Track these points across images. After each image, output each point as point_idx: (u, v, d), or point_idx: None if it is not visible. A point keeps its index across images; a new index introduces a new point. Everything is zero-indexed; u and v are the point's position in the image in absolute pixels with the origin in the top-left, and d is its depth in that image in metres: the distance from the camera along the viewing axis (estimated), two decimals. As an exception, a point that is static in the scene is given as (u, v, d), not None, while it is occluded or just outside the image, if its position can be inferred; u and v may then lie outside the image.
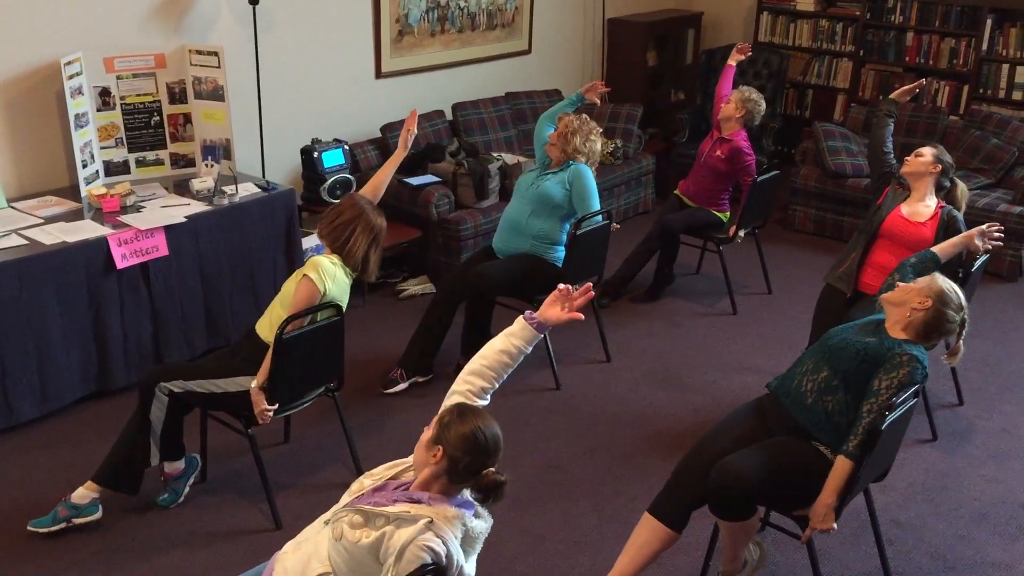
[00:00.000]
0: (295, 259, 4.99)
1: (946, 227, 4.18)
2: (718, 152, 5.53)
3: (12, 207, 4.53)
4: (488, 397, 2.64)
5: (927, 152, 4.30)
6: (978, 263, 4.21)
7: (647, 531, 3.16)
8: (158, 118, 5.05)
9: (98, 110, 4.85)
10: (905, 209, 4.28)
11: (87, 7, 4.72)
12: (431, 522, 2.27)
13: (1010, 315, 5.59)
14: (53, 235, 4.24)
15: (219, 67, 4.98)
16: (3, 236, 4.21)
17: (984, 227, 3.75)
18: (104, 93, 4.86)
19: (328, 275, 3.53)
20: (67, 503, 3.55)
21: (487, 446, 2.35)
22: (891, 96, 4.70)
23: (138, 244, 4.35)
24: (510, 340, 2.65)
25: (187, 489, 3.77)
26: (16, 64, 4.55)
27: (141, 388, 3.56)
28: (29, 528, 3.52)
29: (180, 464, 3.74)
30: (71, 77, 4.58)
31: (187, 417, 3.68)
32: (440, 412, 2.46)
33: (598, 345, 5.01)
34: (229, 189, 4.82)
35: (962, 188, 4.37)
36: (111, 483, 3.56)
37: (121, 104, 4.93)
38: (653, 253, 5.66)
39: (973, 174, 6.39)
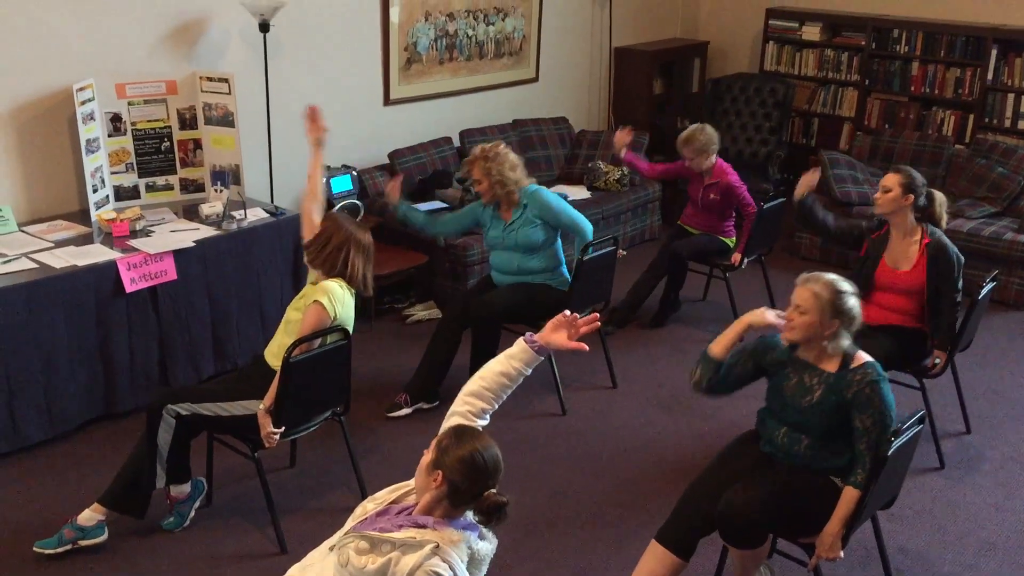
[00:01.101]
0: (302, 284, 4.98)
1: (936, 263, 4.11)
2: (712, 195, 5.56)
3: (23, 231, 4.57)
4: (487, 418, 2.65)
5: (893, 184, 4.13)
6: (984, 291, 4.21)
7: (654, 559, 3.15)
8: (168, 143, 5.09)
9: (109, 135, 4.90)
10: (889, 259, 4.21)
11: (100, 34, 4.78)
12: (437, 547, 2.27)
13: (1017, 343, 5.58)
14: (63, 259, 4.27)
15: (229, 93, 5.03)
16: (13, 259, 4.24)
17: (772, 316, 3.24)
18: (115, 119, 4.91)
19: (338, 300, 3.56)
20: (73, 525, 3.55)
21: (486, 468, 2.34)
22: (797, 193, 4.54)
23: (147, 268, 4.37)
24: (510, 362, 2.65)
25: (193, 513, 3.77)
26: (29, 90, 4.61)
27: (149, 410, 3.57)
28: (35, 549, 3.53)
29: (186, 487, 3.74)
30: (83, 103, 4.63)
31: (193, 441, 3.68)
32: (439, 435, 2.46)
33: (604, 371, 5.01)
34: (238, 214, 4.85)
35: (939, 199, 4.25)
36: (117, 506, 3.56)
37: (132, 130, 4.98)
38: (659, 280, 5.68)
39: (979, 202, 6.40)
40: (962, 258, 4.21)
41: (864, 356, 3.10)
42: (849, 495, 2.97)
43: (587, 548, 3.71)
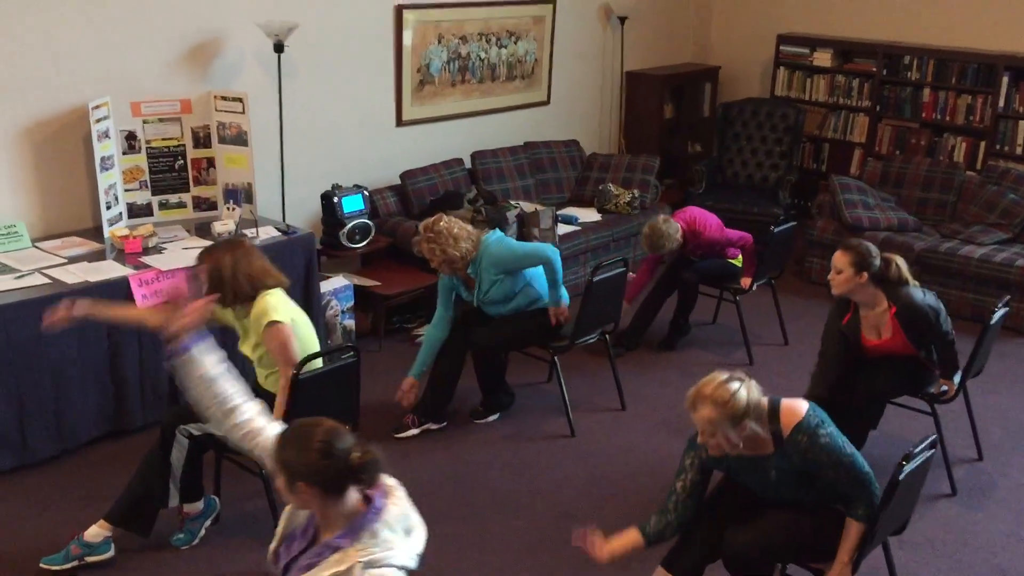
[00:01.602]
0: (313, 302, 5.02)
1: (913, 328, 3.96)
2: (699, 252, 5.54)
3: (36, 246, 4.60)
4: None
5: (843, 264, 3.94)
6: (996, 316, 4.20)
7: None
8: (182, 162, 5.13)
9: (124, 153, 4.94)
10: (867, 332, 4.08)
11: (116, 53, 4.83)
12: (365, 565, 2.20)
13: (1029, 370, 5.54)
14: (75, 274, 4.30)
15: (243, 113, 5.07)
16: (27, 275, 4.26)
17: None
18: (130, 137, 4.95)
19: (280, 306, 3.54)
20: (80, 541, 3.54)
21: (332, 445, 2.22)
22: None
23: (159, 285, 4.39)
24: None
25: (203, 531, 3.76)
26: (45, 107, 4.65)
27: (162, 429, 3.57)
28: (42, 565, 3.52)
29: (199, 504, 3.74)
30: (98, 121, 4.67)
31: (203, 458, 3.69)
32: (272, 457, 2.33)
33: (613, 393, 5.00)
34: (250, 232, 4.87)
35: (896, 262, 4.02)
36: (124, 522, 3.56)
37: (146, 147, 5.02)
38: (665, 300, 5.67)
39: (990, 229, 6.39)
40: (939, 306, 4.03)
41: (791, 416, 2.93)
42: (854, 529, 2.96)
43: (594, 571, 3.68)
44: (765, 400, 2.94)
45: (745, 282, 5.52)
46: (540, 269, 4.58)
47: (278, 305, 3.53)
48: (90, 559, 3.55)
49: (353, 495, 2.27)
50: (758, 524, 3.05)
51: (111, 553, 3.58)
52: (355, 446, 2.26)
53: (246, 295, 3.54)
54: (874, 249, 3.99)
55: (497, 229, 4.55)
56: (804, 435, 2.91)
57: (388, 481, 2.37)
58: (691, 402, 2.89)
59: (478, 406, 4.79)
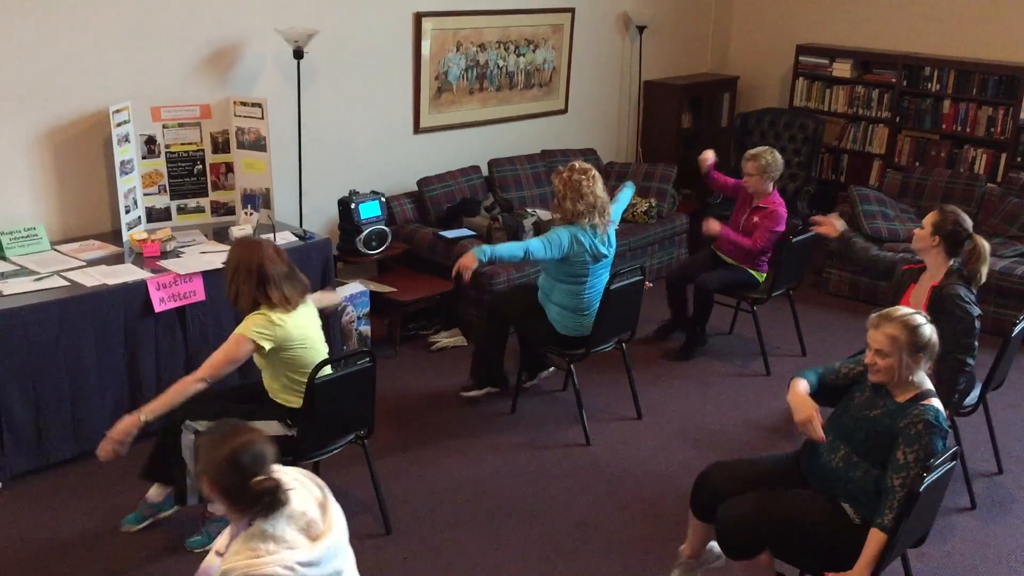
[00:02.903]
0: (330, 309, 5.02)
1: (938, 312, 3.81)
2: (755, 219, 5.51)
3: (55, 249, 4.62)
4: None
5: (926, 223, 4.09)
6: (1017, 330, 4.15)
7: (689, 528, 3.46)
8: (201, 166, 5.15)
9: (143, 157, 4.97)
10: (913, 295, 4.12)
11: (137, 58, 4.86)
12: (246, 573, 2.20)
13: (1050, 384, 5.48)
14: (94, 277, 4.31)
15: (262, 118, 5.09)
16: (46, 277, 4.28)
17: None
18: (150, 141, 4.97)
19: (265, 330, 3.45)
20: (146, 503, 3.79)
21: (240, 460, 2.24)
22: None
23: (176, 288, 4.41)
24: None
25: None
26: (66, 111, 4.68)
27: (169, 420, 3.60)
28: (122, 529, 3.79)
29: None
30: (119, 125, 4.70)
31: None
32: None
33: (629, 403, 4.97)
34: (267, 237, 4.88)
35: (981, 247, 4.00)
36: (154, 476, 3.76)
37: (166, 152, 5.04)
38: (681, 292, 5.75)
39: (1010, 241, 6.34)
40: (975, 320, 3.92)
41: (935, 400, 3.04)
42: (876, 537, 2.92)
43: (610, 580, 3.66)
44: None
45: (710, 225, 5.48)
46: (558, 287, 4.63)
47: (263, 328, 3.44)
48: (161, 515, 3.82)
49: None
50: (757, 503, 3.13)
51: (176, 508, 3.79)
52: (264, 470, 2.26)
53: (253, 305, 3.49)
54: (965, 222, 4.06)
55: (574, 225, 4.51)
56: (928, 412, 2.96)
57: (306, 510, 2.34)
58: (875, 322, 3.07)
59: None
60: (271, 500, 2.25)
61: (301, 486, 2.39)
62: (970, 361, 3.95)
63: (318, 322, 3.71)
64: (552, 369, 5.12)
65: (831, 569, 3.01)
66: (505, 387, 4.98)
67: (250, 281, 3.46)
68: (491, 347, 4.91)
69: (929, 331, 3.05)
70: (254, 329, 3.44)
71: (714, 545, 3.48)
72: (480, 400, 4.97)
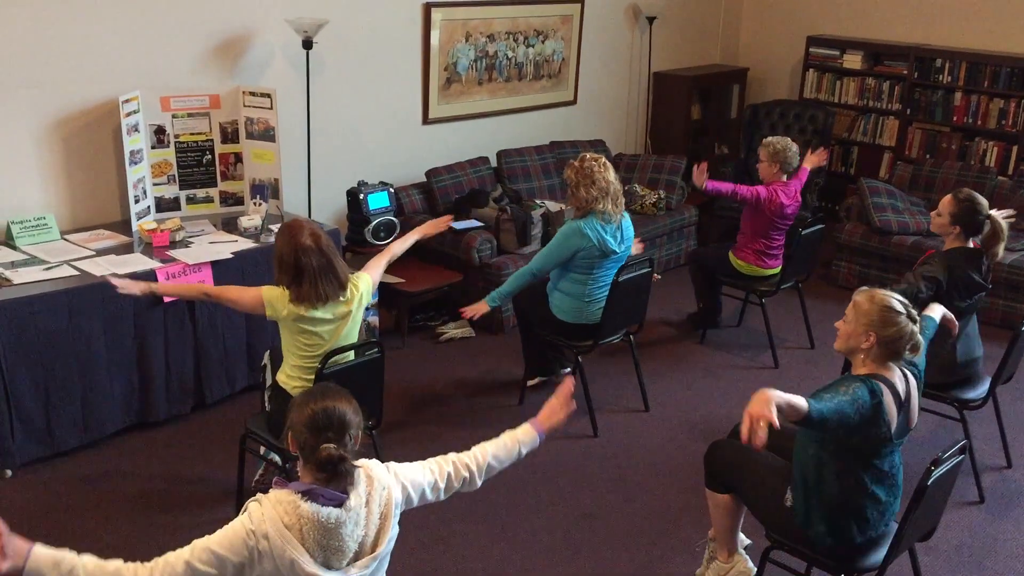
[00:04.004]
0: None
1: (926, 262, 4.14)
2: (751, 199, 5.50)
3: (65, 239, 4.64)
4: (464, 484, 2.62)
5: (944, 211, 4.13)
6: (1028, 323, 4.13)
7: (712, 504, 3.47)
8: (210, 156, 5.16)
9: (152, 147, 4.97)
10: None
11: (147, 48, 4.86)
12: (247, 509, 2.23)
13: (1060, 378, 5.45)
14: (103, 267, 4.32)
15: (271, 108, 5.09)
16: (55, 267, 4.30)
17: None
18: (159, 131, 4.98)
19: (276, 302, 3.53)
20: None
21: (318, 424, 2.26)
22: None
23: (185, 278, 4.41)
24: (518, 446, 2.71)
25: None
26: (76, 101, 4.69)
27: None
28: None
29: None
30: (128, 115, 4.70)
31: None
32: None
33: (637, 394, 4.97)
34: (276, 227, 4.87)
35: (999, 226, 4.09)
36: None
37: (175, 142, 5.05)
38: (709, 277, 5.70)
39: (1021, 235, 6.30)
40: (937, 281, 3.99)
41: (879, 383, 2.88)
42: (800, 401, 2.71)
43: (616, 571, 3.66)
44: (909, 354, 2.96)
45: (698, 177, 5.45)
46: (565, 275, 4.62)
47: (275, 300, 3.52)
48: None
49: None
50: (737, 451, 3.31)
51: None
52: (337, 441, 2.25)
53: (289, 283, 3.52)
54: (982, 206, 4.08)
55: (591, 217, 4.54)
56: (863, 378, 2.89)
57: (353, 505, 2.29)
58: (856, 292, 3.05)
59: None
60: (333, 470, 2.24)
61: (362, 507, 2.31)
62: (922, 293, 3.94)
63: (355, 318, 3.64)
64: (567, 370, 5.09)
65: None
66: (550, 375, 5.06)
67: (288, 273, 3.48)
68: (524, 339, 4.99)
69: (900, 320, 2.89)
70: (268, 293, 3.52)
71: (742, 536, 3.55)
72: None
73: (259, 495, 2.26)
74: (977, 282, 4.10)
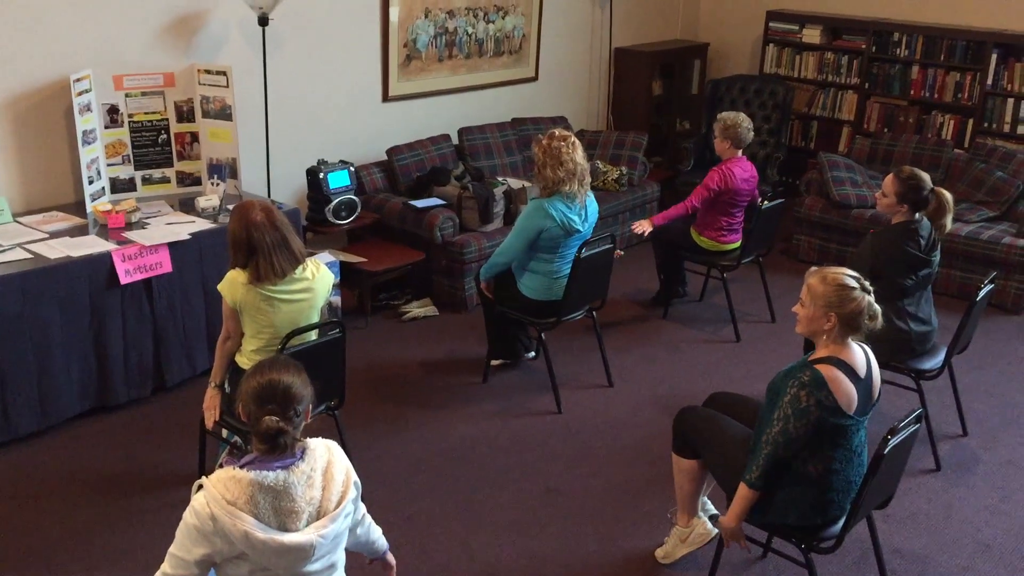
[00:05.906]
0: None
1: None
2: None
3: (18, 221, 4.55)
4: None
5: (888, 191, 4.16)
6: (982, 293, 4.20)
7: (677, 469, 3.49)
8: (165, 136, 5.07)
9: (106, 127, 4.88)
10: None
11: (98, 25, 4.76)
12: (200, 487, 2.24)
13: (1014, 347, 5.56)
14: (57, 250, 4.25)
15: (227, 87, 5.01)
16: (8, 250, 4.21)
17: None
18: (112, 110, 4.88)
19: (227, 283, 3.50)
20: None
21: (262, 397, 2.26)
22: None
23: (142, 260, 4.35)
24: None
25: None
26: (26, 80, 4.58)
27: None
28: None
29: None
30: (80, 94, 4.61)
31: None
32: None
33: (600, 370, 4.99)
34: (261, 199, 4.81)
35: (945, 200, 4.16)
36: None
37: (129, 122, 4.96)
38: (671, 252, 5.74)
39: (977, 207, 6.40)
40: (864, 265, 3.98)
41: (831, 367, 2.91)
42: (743, 492, 3.00)
43: (581, 545, 3.69)
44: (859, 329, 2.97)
45: (639, 226, 5.41)
46: (532, 255, 4.64)
47: (227, 285, 3.48)
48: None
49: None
50: (715, 417, 3.38)
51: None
52: (280, 413, 2.25)
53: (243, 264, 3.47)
54: (925, 182, 4.13)
55: (556, 198, 4.52)
56: (805, 373, 2.91)
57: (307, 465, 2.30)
58: (808, 273, 3.07)
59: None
60: (272, 442, 2.23)
61: (315, 472, 2.30)
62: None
63: (315, 304, 3.59)
64: (532, 355, 5.10)
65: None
66: (514, 359, 5.07)
67: (242, 251, 3.43)
68: (487, 319, 4.95)
69: (856, 295, 2.92)
70: (223, 284, 3.49)
71: (706, 501, 3.60)
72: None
73: (203, 478, 2.26)
74: (917, 256, 4.13)
